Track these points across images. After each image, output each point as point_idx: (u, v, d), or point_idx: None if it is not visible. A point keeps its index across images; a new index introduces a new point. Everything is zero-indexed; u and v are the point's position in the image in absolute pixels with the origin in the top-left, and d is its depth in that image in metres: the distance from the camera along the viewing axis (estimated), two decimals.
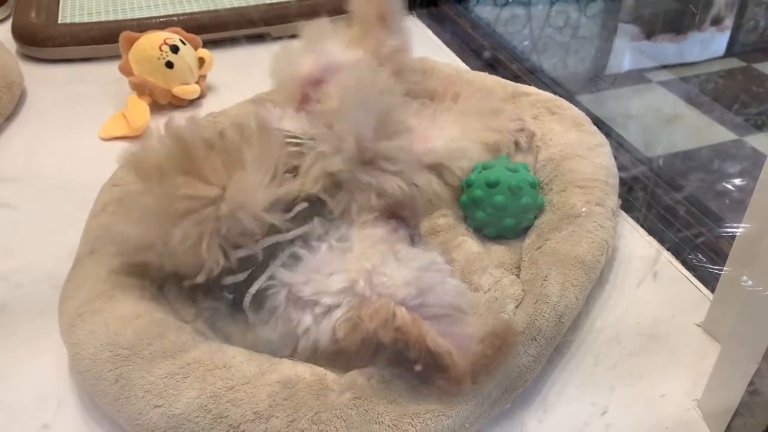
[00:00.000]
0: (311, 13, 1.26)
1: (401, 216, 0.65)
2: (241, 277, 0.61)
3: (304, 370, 0.59)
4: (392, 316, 0.55)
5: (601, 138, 0.89)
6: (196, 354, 0.59)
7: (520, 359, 0.63)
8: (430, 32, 1.38)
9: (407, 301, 0.57)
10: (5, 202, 0.87)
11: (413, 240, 0.66)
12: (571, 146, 0.86)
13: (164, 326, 0.62)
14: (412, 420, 0.56)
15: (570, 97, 1.01)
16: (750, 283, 0.57)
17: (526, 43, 1.53)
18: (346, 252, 0.62)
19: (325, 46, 0.86)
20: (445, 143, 0.82)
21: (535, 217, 0.79)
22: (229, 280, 0.62)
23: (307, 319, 0.59)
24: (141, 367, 0.58)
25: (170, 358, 0.59)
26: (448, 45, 1.33)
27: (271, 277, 0.61)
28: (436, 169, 0.81)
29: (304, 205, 0.64)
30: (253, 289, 0.61)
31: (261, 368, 0.58)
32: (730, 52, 1.51)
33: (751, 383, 0.56)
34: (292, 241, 0.62)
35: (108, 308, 0.64)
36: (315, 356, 0.60)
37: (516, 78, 1.13)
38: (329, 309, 0.59)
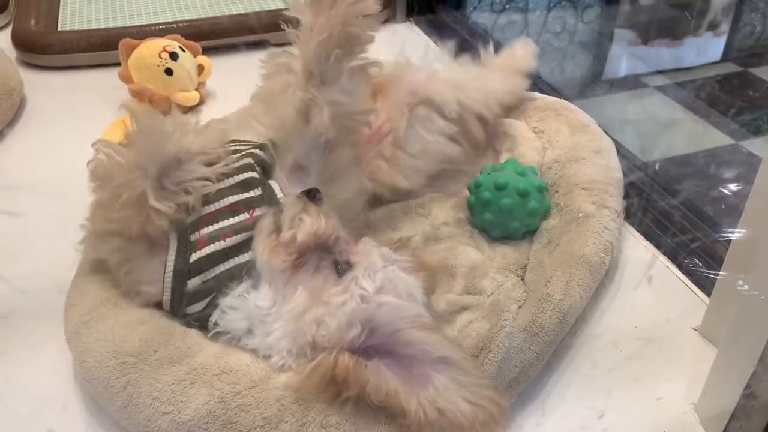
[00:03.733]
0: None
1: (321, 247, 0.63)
2: (199, 307, 0.63)
3: None
4: (333, 366, 0.55)
5: (606, 140, 0.91)
6: (201, 359, 0.60)
7: (523, 354, 0.65)
8: (428, 39, 1.39)
9: (355, 343, 0.58)
10: (7, 209, 0.88)
11: (339, 267, 0.62)
12: (577, 148, 0.88)
13: (169, 332, 0.63)
14: None
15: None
16: (746, 287, 0.58)
17: None
18: (275, 315, 0.61)
19: None
20: None
21: (541, 220, 0.80)
22: (191, 309, 0.64)
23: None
24: (148, 374, 0.59)
25: (177, 363, 0.60)
26: (447, 51, 1.33)
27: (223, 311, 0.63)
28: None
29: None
30: (213, 317, 0.63)
31: (267, 371, 0.59)
32: (726, 56, 1.52)
33: (747, 386, 0.57)
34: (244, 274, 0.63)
35: (113, 315, 0.65)
36: None
37: None
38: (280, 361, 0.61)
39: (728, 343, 0.62)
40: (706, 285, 0.78)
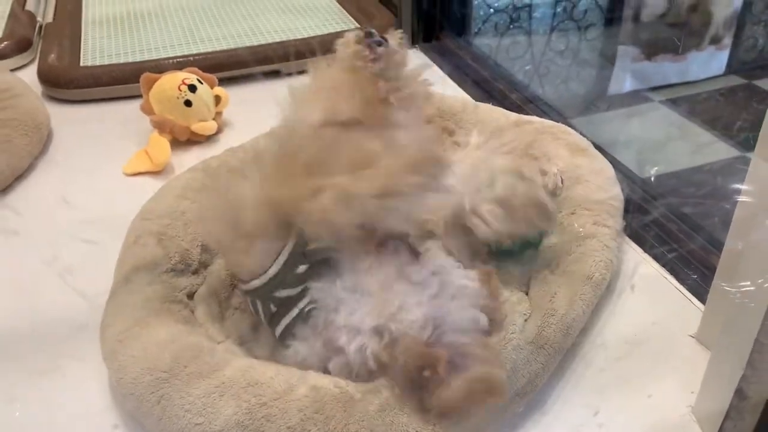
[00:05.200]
0: (314, 51, 1.34)
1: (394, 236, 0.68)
2: (294, 292, 0.66)
3: (329, 382, 0.64)
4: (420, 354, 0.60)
5: (604, 161, 0.95)
6: (229, 373, 0.65)
7: (530, 366, 0.69)
8: (433, 65, 1.44)
9: (427, 339, 0.62)
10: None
11: (416, 252, 0.68)
12: (577, 170, 0.92)
13: (198, 348, 0.67)
14: (434, 427, 0.61)
15: (571, 122, 1.05)
16: (738, 294, 0.62)
17: (528, 67, 1.58)
18: (365, 291, 0.65)
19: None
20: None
21: (542, 239, 0.84)
22: (284, 293, 0.66)
23: (341, 347, 0.65)
24: (180, 388, 0.64)
25: (206, 378, 0.64)
26: (451, 77, 1.38)
27: (311, 299, 0.66)
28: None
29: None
30: (302, 303, 0.66)
31: (289, 383, 0.64)
32: (730, 69, 1.55)
33: (738, 388, 0.61)
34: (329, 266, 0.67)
35: (145, 334, 0.69)
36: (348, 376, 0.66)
37: (517, 108, 1.18)
38: (362, 344, 0.64)
39: (720, 348, 0.65)
40: (702, 293, 0.82)
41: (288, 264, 0.66)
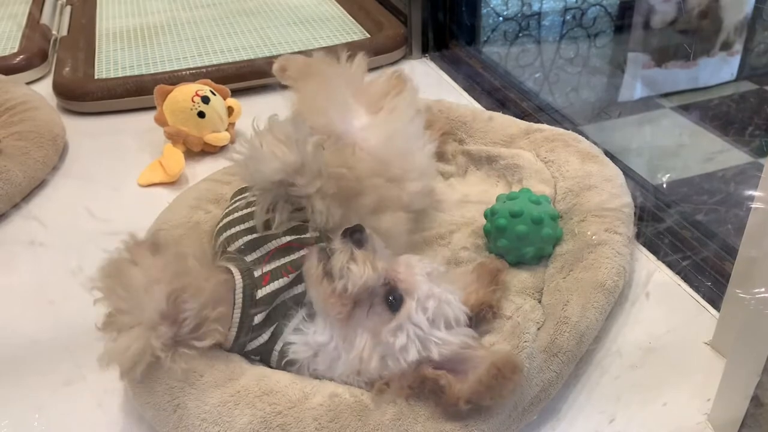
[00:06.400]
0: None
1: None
2: (263, 339, 0.68)
3: (344, 391, 0.65)
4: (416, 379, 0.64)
5: (615, 169, 0.95)
6: (244, 381, 0.65)
7: (543, 374, 0.69)
8: (443, 74, 1.45)
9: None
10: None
11: (391, 302, 0.66)
12: (588, 177, 0.92)
13: (213, 357, 0.68)
14: None
15: (582, 129, 1.05)
16: (753, 301, 0.62)
17: (537, 75, 1.58)
18: (336, 351, 0.67)
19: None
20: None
21: (554, 246, 0.85)
22: (256, 343, 0.68)
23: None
24: (196, 397, 0.64)
25: (221, 386, 0.65)
26: (461, 85, 1.39)
27: (284, 344, 0.68)
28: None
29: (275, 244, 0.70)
30: (278, 347, 0.68)
31: (304, 392, 0.64)
32: (741, 75, 1.55)
33: (754, 395, 0.61)
34: (298, 304, 0.68)
35: None
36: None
37: (528, 116, 1.18)
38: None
39: (735, 355, 0.65)
40: (716, 301, 0.82)
41: (243, 321, 0.67)
